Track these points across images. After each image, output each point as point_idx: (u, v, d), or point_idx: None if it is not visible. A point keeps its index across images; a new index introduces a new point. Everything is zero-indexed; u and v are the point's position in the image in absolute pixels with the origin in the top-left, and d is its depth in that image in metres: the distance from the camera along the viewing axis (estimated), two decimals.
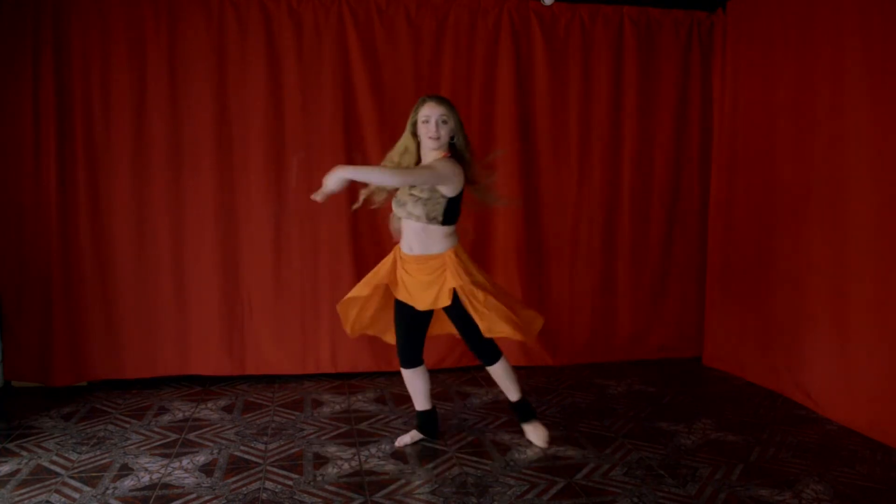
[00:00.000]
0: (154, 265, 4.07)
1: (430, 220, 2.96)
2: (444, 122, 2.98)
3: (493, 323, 2.99)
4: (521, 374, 4.39)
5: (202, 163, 4.06)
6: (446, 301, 2.98)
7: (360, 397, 3.98)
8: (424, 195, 2.95)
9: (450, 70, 4.32)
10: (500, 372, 3.22)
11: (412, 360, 3.22)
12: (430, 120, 2.96)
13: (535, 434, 3.27)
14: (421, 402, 3.31)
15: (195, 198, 4.08)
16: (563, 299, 4.62)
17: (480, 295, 2.95)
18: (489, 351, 3.18)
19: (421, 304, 3.03)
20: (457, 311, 3.04)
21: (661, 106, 4.65)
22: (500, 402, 3.86)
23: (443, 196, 2.95)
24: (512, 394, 3.28)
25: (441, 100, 3.03)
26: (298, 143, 4.15)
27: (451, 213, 3.01)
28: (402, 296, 3.07)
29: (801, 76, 3.85)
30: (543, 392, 4.07)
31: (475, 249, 4.40)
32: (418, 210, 2.95)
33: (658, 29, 4.60)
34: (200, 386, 4.14)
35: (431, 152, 3.02)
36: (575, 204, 4.57)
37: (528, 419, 3.31)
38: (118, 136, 3.98)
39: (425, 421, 3.33)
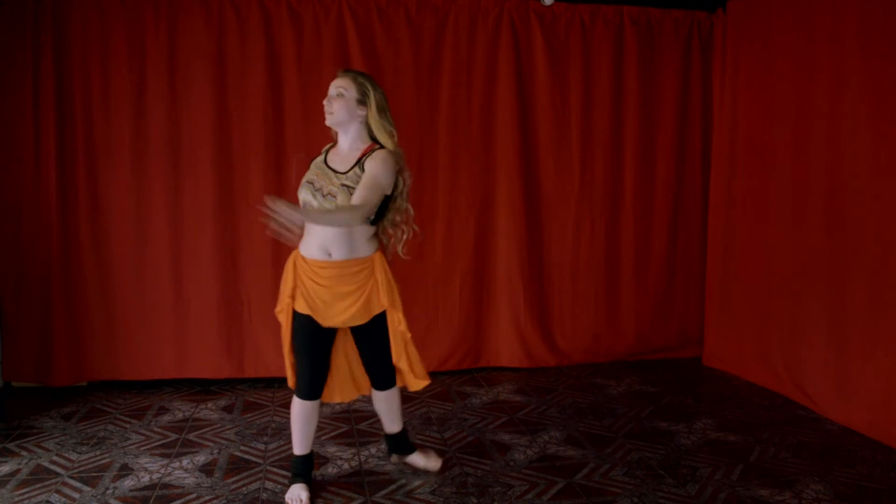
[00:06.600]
0: (153, 265, 4.06)
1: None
2: (340, 94, 2.54)
3: (399, 353, 2.72)
4: (523, 374, 4.40)
5: (202, 163, 4.05)
6: (365, 319, 2.61)
7: (359, 397, 3.96)
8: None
9: (450, 70, 4.32)
10: (394, 396, 2.86)
11: (319, 389, 2.75)
12: (328, 95, 2.57)
13: (427, 460, 2.96)
14: (308, 443, 2.80)
15: (194, 198, 4.07)
16: (564, 299, 4.61)
17: (406, 328, 2.66)
18: (391, 374, 2.81)
19: (333, 320, 2.60)
20: (380, 329, 2.66)
21: (662, 106, 4.65)
22: (500, 402, 3.86)
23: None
24: (397, 424, 2.92)
25: (346, 72, 2.61)
26: (298, 143, 4.14)
27: (381, 211, 2.60)
28: (303, 308, 2.61)
29: (801, 76, 3.85)
30: (543, 392, 4.07)
31: (476, 248, 4.42)
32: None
33: (658, 29, 4.60)
34: (200, 386, 4.14)
35: (341, 137, 2.63)
36: (577, 203, 4.57)
37: (411, 451, 2.97)
38: (118, 136, 3.97)
39: (307, 467, 2.80)
